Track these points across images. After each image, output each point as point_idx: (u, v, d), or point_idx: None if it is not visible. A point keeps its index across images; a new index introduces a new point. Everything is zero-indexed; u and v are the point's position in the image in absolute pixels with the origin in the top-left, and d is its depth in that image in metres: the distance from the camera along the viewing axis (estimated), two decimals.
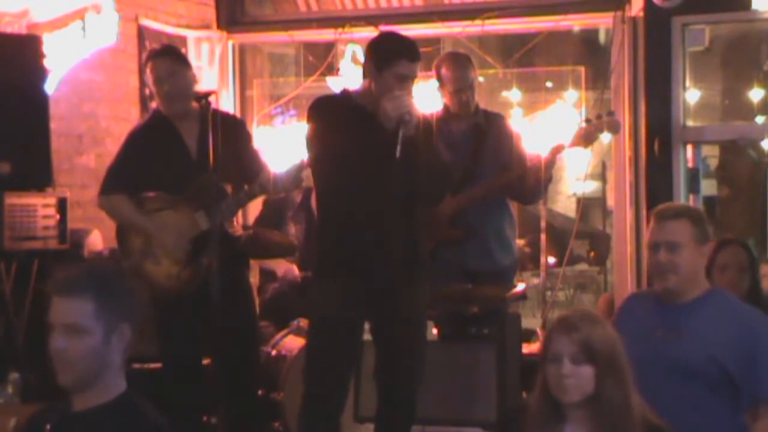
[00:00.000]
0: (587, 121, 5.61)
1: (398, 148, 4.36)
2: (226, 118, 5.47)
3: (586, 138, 5.53)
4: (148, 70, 5.24)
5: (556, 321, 3.28)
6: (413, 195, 4.65)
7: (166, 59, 5.20)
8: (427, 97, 6.30)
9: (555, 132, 6.88)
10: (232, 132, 5.15)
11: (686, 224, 3.78)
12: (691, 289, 3.80)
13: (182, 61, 5.27)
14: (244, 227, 5.33)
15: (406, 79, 4.52)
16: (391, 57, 4.52)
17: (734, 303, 3.89)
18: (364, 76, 4.65)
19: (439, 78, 5.69)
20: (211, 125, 4.74)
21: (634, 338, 3.48)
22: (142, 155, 5.16)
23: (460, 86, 5.61)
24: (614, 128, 5.64)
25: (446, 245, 5.54)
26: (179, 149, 5.11)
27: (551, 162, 5.50)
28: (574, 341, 3.18)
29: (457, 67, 5.67)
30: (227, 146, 4.99)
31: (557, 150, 5.49)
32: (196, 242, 5.03)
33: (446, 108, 5.70)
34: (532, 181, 5.50)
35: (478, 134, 5.66)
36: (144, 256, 5.13)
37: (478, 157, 5.64)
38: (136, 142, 5.27)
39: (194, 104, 5.08)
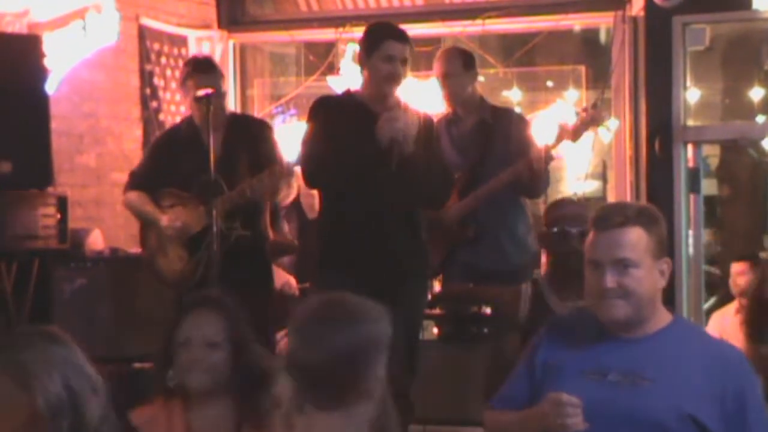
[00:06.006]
0: (577, 114, 5.63)
1: (393, 162, 4.44)
2: (251, 122, 5.60)
3: (575, 132, 5.51)
4: (190, 83, 5.24)
5: None
6: (413, 198, 4.69)
7: (211, 75, 5.24)
8: (427, 97, 6.31)
9: (555, 132, 6.86)
10: (255, 136, 5.23)
11: (639, 233, 2.84)
12: (648, 320, 2.89)
13: (221, 76, 5.35)
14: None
15: (394, 60, 4.63)
16: (377, 40, 4.66)
17: (705, 337, 3.07)
18: (361, 72, 4.75)
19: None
20: (212, 125, 4.81)
21: (571, 380, 2.83)
22: (163, 160, 5.27)
23: (438, 74, 5.63)
24: (598, 120, 5.62)
25: (459, 246, 5.52)
26: (201, 158, 5.16)
27: (549, 157, 5.46)
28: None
29: (439, 57, 5.73)
30: (247, 151, 5.08)
31: (549, 146, 5.48)
32: (195, 239, 5.08)
33: (452, 109, 5.71)
34: (528, 174, 5.47)
35: (484, 132, 5.63)
36: (157, 251, 5.24)
37: (485, 155, 5.59)
38: (160, 146, 5.43)
39: (226, 114, 5.25)
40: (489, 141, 5.61)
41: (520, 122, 5.73)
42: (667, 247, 2.94)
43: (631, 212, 2.88)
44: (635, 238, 2.83)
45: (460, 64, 5.65)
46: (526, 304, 4.20)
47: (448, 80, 5.61)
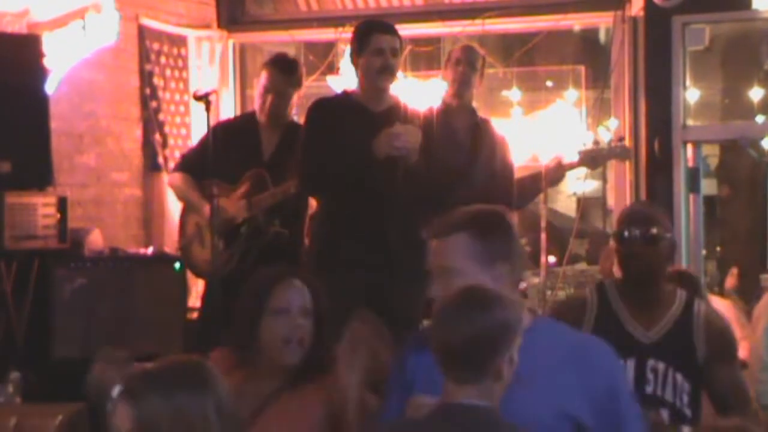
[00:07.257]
0: (596, 143, 5.66)
1: (399, 174, 4.52)
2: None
3: (594, 160, 5.57)
4: (264, 73, 5.38)
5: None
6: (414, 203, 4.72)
7: (284, 76, 5.35)
8: (427, 97, 6.33)
9: (555, 131, 6.87)
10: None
11: (462, 240, 2.80)
12: None
13: (296, 83, 5.42)
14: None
15: (384, 52, 4.67)
16: (364, 37, 4.71)
17: (568, 334, 2.97)
18: (356, 73, 4.79)
19: None
20: (209, 131, 4.87)
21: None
22: (216, 150, 5.25)
23: (459, 59, 5.66)
24: (624, 156, 5.67)
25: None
26: (253, 155, 5.22)
27: (558, 178, 5.54)
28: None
29: (468, 46, 5.83)
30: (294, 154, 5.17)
31: (564, 168, 5.53)
32: (233, 230, 5.24)
33: (450, 99, 5.72)
34: (530, 193, 5.55)
35: (474, 137, 5.68)
36: (194, 238, 5.44)
37: (475, 154, 5.64)
38: (215, 135, 5.35)
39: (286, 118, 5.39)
40: (480, 142, 5.64)
41: (502, 138, 5.78)
42: (508, 251, 2.83)
43: (460, 219, 2.85)
44: (456, 246, 2.80)
45: (481, 64, 5.70)
46: (593, 312, 3.77)
47: (467, 67, 5.63)
